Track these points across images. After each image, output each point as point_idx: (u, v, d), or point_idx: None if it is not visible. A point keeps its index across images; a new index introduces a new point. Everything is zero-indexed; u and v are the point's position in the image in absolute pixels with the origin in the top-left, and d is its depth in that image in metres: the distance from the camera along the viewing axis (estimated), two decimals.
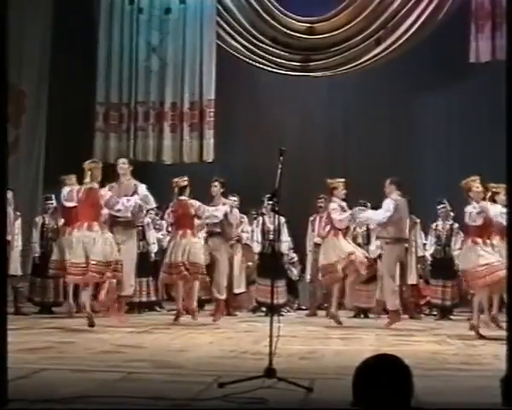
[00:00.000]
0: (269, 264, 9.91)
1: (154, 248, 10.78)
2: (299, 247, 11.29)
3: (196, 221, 9.48)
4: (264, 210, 10.69)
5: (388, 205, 9.08)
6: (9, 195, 10.09)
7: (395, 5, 12.21)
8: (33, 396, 3.95)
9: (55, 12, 12.60)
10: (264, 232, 10.57)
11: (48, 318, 9.56)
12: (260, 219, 10.66)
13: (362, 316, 10.64)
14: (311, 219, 10.93)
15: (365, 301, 10.57)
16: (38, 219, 10.48)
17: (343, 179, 9.48)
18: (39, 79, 12.62)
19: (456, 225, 10.51)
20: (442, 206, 10.52)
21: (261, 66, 12.67)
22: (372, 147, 13.11)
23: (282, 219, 10.64)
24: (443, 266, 10.45)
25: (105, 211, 8.50)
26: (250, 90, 13.46)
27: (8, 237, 9.96)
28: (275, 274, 9.79)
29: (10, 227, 10.07)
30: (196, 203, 9.37)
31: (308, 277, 10.84)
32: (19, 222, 10.21)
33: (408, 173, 12.69)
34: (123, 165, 8.99)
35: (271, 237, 10.38)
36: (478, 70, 11.97)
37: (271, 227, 10.40)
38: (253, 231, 10.85)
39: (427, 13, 12.08)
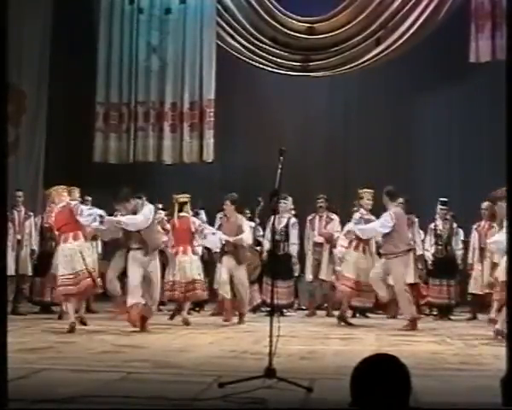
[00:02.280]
0: (275, 264, 9.92)
1: None
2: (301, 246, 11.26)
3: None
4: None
5: (386, 219, 9.00)
6: (20, 194, 10.19)
7: (395, 5, 12.21)
8: (33, 396, 3.95)
9: (55, 12, 12.60)
10: (274, 232, 10.49)
11: (47, 318, 9.56)
12: (272, 218, 10.60)
13: (357, 315, 10.64)
14: (310, 218, 10.91)
15: (360, 300, 10.55)
16: (38, 220, 10.47)
17: (371, 190, 9.42)
18: (39, 79, 12.63)
19: (455, 225, 10.51)
20: (446, 207, 10.48)
21: (261, 66, 12.67)
22: (372, 147, 13.11)
23: (293, 220, 10.68)
24: (445, 266, 10.43)
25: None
26: (250, 90, 13.45)
27: (18, 237, 10.01)
28: (280, 275, 9.84)
29: (20, 227, 10.10)
30: (196, 222, 9.49)
31: (310, 276, 10.76)
32: (30, 221, 10.23)
33: (408, 173, 12.73)
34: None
35: (278, 237, 10.42)
36: (478, 70, 11.96)
37: (278, 227, 10.43)
38: (256, 227, 10.87)
39: (427, 13, 12.08)
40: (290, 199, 10.55)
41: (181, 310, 9.31)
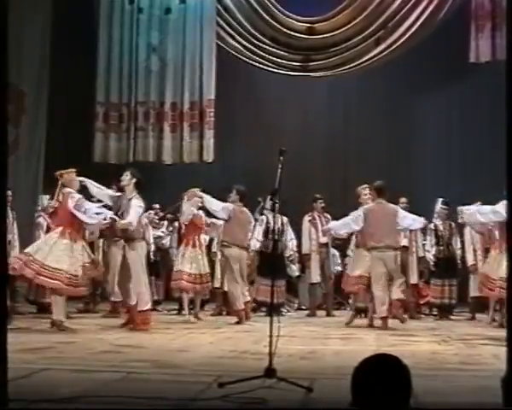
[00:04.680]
0: (269, 263, 9.91)
1: (151, 247, 10.83)
2: (300, 246, 11.26)
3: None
4: (264, 210, 10.70)
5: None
6: (9, 193, 10.11)
7: (395, 5, 12.21)
8: (33, 396, 3.94)
9: (55, 12, 12.59)
10: (268, 232, 10.50)
11: (47, 318, 9.54)
12: (264, 218, 10.63)
13: (362, 315, 10.64)
14: (309, 218, 10.86)
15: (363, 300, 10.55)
16: (43, 221, 10.42)
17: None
18: (39, 79, 12.61)
19: (454, 225, 10.50)
20: (447, 207, 10.46)
21: (261, 66, 12.67)
22: (372, 147, 13.12)
23: (286, 219, 10.67)
24: (446, 266, 10.43)
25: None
26: (250, 90, 13.46)
27: (9, 237, 9.98)
28: (275, 273, 9.81)
29: (10, 227, 10.07)
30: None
31: (317, 277, 10.70)
32: (15, 222, 10.22)
33: (408, 173, 12.73)
34: (125, 177, 8.52)
35: (275, 236, 10.40)
36: (478, 70, 11.97)
37: (275, 227, 10.41)
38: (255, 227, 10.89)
39: (427, 13, 12.08)
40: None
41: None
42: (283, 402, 4.11)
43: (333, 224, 9.75)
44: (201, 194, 9.49)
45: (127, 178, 8.46)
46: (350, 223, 9.21)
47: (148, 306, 8.34)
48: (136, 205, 8.29)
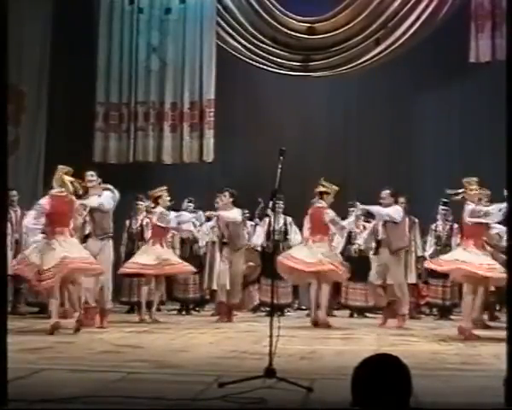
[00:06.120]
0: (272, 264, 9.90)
1: None
2: None
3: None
4: (268, 211, 10.70)
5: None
6: (14, 194, 10.13)
7: (395, 5, 12.21)
8: (33, 396, 3.94)
9: (55, 12, 12.60)
10: (270, 232, 10.46)
11: (47, 318, 9.54)
12: (267, 219, 10.60)
13: (355, 315, 10.65)
14: None
15: (362, 299, 10.56)
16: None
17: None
18: (39, 79, 12.62)
19: (456, 226, 10.48)
20: (447, 207, 10.45)
21: (261, 66, 12.67)
22: (372, 147, 13.10)
23: (290, 219, 10.66)
24: None
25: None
26: (250, 90, 13.45)
27: (16, 236, 9.98)
28: (276, 274, 9.80)
29: (17, 226, 10.07)
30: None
31: None
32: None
33: (408, 173, 12.72)
34: (91, 178, 8.66)
35: (277, 236, 10.40)
36: (478, 70, 11.97)
37: (277, 227, 10.40)
38: (255, 227, 10.88)
39: (428, 13, 12.08)
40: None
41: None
42: (283, 402, 4.11)
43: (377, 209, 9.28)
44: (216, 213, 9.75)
45: (93, 179, 8.63)
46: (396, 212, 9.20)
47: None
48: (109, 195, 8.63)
